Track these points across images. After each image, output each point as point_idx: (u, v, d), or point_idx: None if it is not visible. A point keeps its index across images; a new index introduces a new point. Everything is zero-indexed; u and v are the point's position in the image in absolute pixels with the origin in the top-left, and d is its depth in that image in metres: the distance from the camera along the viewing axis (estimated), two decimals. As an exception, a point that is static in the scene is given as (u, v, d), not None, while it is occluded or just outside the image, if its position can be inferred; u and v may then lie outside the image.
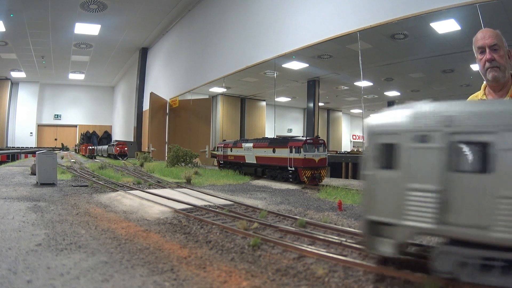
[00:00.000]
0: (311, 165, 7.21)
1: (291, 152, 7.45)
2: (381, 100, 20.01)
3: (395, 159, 2.09)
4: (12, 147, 28.97)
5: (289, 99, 22.30)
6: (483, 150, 1.86)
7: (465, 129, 1.92)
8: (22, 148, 28.19)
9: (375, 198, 2.15)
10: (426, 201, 1.96)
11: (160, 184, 7.28)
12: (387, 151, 2.14)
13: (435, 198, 1.93)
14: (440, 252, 2.00)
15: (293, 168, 7.42)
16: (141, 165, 12.97)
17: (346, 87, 18.97)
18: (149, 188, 6.67)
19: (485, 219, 1.81)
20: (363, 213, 2.23)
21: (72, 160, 16.96)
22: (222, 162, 10.95)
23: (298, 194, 6.14)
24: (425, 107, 2.08)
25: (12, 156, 21.30)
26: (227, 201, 5.04)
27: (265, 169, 8.74)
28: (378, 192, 2.15)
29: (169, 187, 6.83)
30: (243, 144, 9.61)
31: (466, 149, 1.92)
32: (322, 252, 2.56)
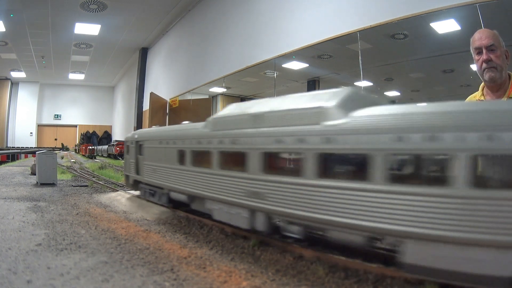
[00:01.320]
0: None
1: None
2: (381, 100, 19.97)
3: (129, 151, 5.23)
4: (12, 147, 28.95)
5: (289, 99, 22.28)
6: (139, 146, 4.85)
7: (141, 139, 4.84)
8: (22, 148, 28.17)
9: (126, 166, 5.42)
10: (132, 166, 5.05)
11: (160, 184, 7.28)
12: (128, 148, 5.33)
13: (134, 165, 4.95)
14: (140, 187, 4.97)
15: (293, 168, 7.41)
16: (141, 165, 12.97)
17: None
18: (149, 188, 6.66)
19: (141, 172, 4.67)
20: (124, 171, 5.70)
21: (72, 160, 16.96)
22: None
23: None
24: (137, 131, 5.33)
25: (12, 156, 21.28)
26: (227, 201, 5.03)
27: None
28: (126, 163, 5.41)
29: (169, 187, 6.83)
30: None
31: (141, 147, 4.80)
32: (322, 252, 2.56)
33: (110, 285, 2.05)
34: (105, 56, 26.38)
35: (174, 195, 3.98)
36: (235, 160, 2.92)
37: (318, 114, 2.31)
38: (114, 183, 7.20)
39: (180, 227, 3.60)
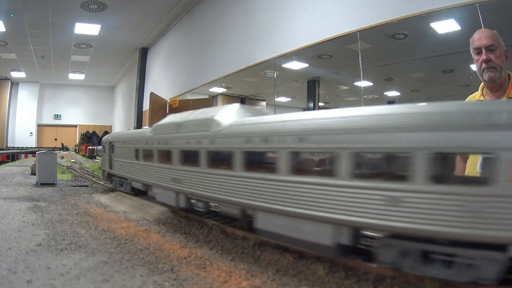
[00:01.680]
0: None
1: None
2: (381, 100, 19.96)
3: (105, 150, 6.47)
4: (12, 147, 28.94)
5: (289, 99, 22.27)
6: (111, 146, 6.02)
7: (113, 140, 6.00)
8: (22, 148, 28.16)
9: (103, 162, 6.83)
10: (107, 162, 6.33)
11: (160, 184, 7.27)
12: (104, 148, 6.58)
13: (108, 161, 6.19)
14: (112, 179, 6.23)
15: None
16: (141, 165, 12.94)
17: (346, 87, 18.93)
18: (149, 188, 6.65)
19: (113, 166, 5.93)
20: (101, 167, 7.18)
21: (72, 160, 16.96)
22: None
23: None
24: (111, 134, 6.90)
25: (12, 156, 21.27)
26: (227, 201, 5.03)
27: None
28: (103, 160, 6.80)
29: (169, 187, 6.82)
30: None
31: (113, 147, 5.96)
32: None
33: (110, 285, 2.05)
34: (105, 56, 26.37)
35: (134, 184, 5.15)
36: (166, 156, 4.02)
37: (208, 123, 3.26)
38: (114, 183, 7.20)
39: (180, 227, 3.60)
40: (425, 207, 1.80)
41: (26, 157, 21.48)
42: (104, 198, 5.52)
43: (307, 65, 14.90)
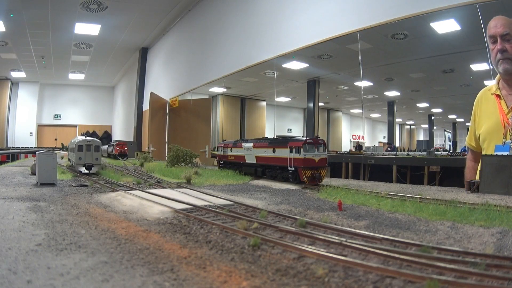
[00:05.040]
0: (311, 165, 7.20)
1: (291, 152, 7.45)
2: (381, 100, 19.98)
3: (67, 149, 14.98)
4: (12, 147, 28.95)
5: (289, 99, 22.28)
6: (67, 147, 16.21)
7: (67, 145, 15.46)
8: (22, 148, 28.17)
9: (68, 155, 15.03)
10: (68, 153, 14.60)
11: (160, 184, 7.28)
12: (67, 148, 16.42)
13: (68, 153, 14.43)
14: (71, 162, 12.10)
15: (293, 168, 7.42)
16: (141, 165, 12.96)
17: (346, 87, 18.95)
18: (149, 188, 6.66)
19: (70, 156, 13.04)
20: (68, 157, 15.04)
21: (72, 160, 16.94)
22: (222, 162, 10.94)
23: (298, 194, 6.14)
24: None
25: (12, 156, 21.28)
26: (227, 201, 5.04)
27: (265, 169, 8.74)
28: (68, 153, 14.63)
29: (169, 187, 6.83)
30: (243, 144, 9.61)
31: (68, 148, 13.54)
32: (322, 252, 2.56)
33: (110, 285, 2.05)
34: (105, 56, 26.35)
35: (73, 162, 10.40)
36: (73, 150, 10.03)
37: (72, 141, 11.47)
38: (114, 183, 7.21)
39: (180, 227, 3.60)
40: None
41: (26, 157, 21.47)
42: (104, 198, 5.52)
43: (307, 65, 14.89)
